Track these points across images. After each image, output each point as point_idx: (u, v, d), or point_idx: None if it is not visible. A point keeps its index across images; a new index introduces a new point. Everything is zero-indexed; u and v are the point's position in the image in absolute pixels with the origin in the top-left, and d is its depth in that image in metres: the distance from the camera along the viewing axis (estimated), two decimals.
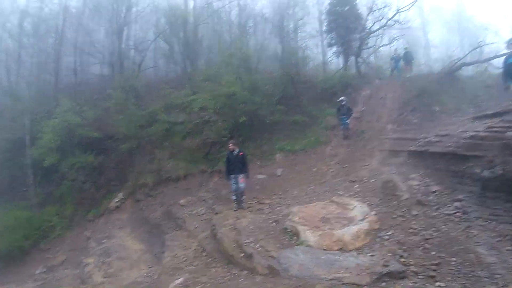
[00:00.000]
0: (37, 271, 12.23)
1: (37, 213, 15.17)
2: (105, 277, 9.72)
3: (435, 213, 6.94)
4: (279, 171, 11.98)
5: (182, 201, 12.18)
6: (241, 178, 9.47)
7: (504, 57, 8.78)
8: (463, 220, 6.50)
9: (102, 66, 22.97)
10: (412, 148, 9.64)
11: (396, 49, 18.39)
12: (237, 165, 9.47)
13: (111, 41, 21.87)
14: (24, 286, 11.34)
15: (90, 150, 15.28)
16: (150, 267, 9.48)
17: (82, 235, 13.48)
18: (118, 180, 15.18)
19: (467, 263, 5.36)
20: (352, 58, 18.34)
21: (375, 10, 16.45)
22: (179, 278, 6.76)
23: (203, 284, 6.13)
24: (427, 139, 9.53)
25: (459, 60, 13.85)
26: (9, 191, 16.73)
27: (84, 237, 13.21)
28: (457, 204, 6.96)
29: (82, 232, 13.64)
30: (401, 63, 17.42)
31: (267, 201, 9.74)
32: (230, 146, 9.58)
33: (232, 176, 9.54)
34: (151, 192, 13.71)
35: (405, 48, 17.69)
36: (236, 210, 9.52)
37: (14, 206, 15.49)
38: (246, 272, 6.41)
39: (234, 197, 9.86)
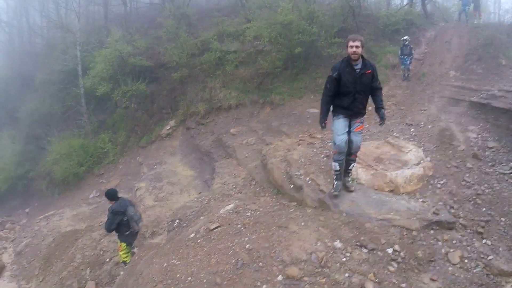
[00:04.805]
0: (91, 195, 13.20)
1: (91, 141, 16.15)
2: (156, 201, 10.27)
3: (490, 170, 6.79)
4: None
5: (232, 130, 12.42)
6: (359, 124, 4.97)
7: None
8: None
9: None
10: (474, 99, 9.39)
11: None
12: (359, 95, 4.77)
13: None
14: (78, 210, 12.28)
15: (142, 79, 15.62)
16: (199, 193, 9.99)
17: (134, 161, 14.29)
18: (170, 108, 15.61)
19: None
20: None
21: None
22: (229, 204, 6.85)
23: (253, 211, 6.25)
24: (490, 92, 9.34)
25: None
26: (64, 121, 17.99)
27: (136, 163, 13.99)
28: None
29: (135, 158, 14.43)
30: (470, 6, 16.42)
31: (319, 136, 9.47)
32: (352, 46, 4.48)
33: (342, 116, 4.89)
34: (202, 120, 14.08)
35: None
36: (336, 195, 5.56)
37: (69, 135, 16.64)
38: (294, 203, 6.62)
39: (337, 166, 5.17)
